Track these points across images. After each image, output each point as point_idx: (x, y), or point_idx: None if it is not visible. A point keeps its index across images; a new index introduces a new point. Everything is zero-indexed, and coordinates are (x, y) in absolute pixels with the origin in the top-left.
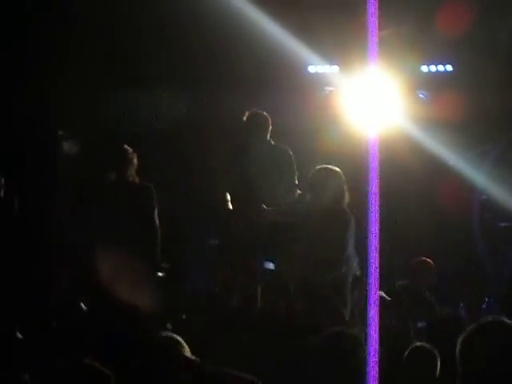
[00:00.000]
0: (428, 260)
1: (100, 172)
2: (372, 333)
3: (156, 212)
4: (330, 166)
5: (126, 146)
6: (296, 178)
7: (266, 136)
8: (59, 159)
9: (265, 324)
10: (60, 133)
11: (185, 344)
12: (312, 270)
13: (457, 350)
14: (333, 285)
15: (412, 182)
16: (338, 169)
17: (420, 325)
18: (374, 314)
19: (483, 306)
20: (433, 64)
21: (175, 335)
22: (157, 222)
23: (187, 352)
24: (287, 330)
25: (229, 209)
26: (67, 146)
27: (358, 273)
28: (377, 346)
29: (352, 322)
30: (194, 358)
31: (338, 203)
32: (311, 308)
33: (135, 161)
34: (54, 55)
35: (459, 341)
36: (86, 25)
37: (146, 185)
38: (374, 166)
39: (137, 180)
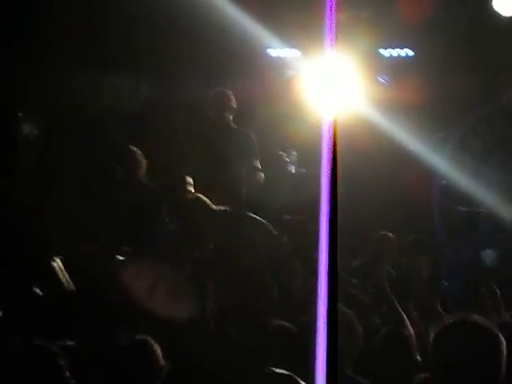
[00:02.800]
0: (389, 234)
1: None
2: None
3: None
4: None
5: (132, 147)
6: (257, 161)
7: (229, 116)
8: (19, 142)
9: None
10: (20, 115)
11: None
12: None
13: (430, 342)
14: None
15: (372, 167)
16: None
17: None
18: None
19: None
20: (393, 48)
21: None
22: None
23: None
24: None
25: (191, 193)
26: (27, 129)
27: None
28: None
29: None
30: None
31: None
32: None
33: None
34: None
35: (432, 334)
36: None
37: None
38: (332, 149)
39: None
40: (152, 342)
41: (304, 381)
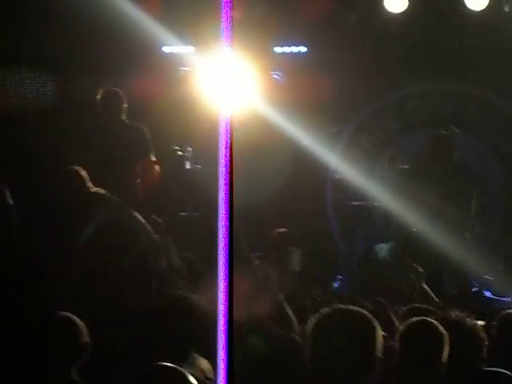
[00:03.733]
0: (285, 230)
1: None
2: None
3: None
4: None
5: None
6: (152, 155)
7: (121, 114)
8: None
9: None
10: None
11: None
12: None
13: (308, 330)
14: None
15: (267, 162)
16: None
17: None
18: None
19: (335, 284)
20: (287, 45)
21: None
22: None
23: None
24: None
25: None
26: None
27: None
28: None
29: None
30: None
31: None
32: None
33: None
34: None
35: (310, 323)
36: None
37: None
38: (229, 145)
39: None
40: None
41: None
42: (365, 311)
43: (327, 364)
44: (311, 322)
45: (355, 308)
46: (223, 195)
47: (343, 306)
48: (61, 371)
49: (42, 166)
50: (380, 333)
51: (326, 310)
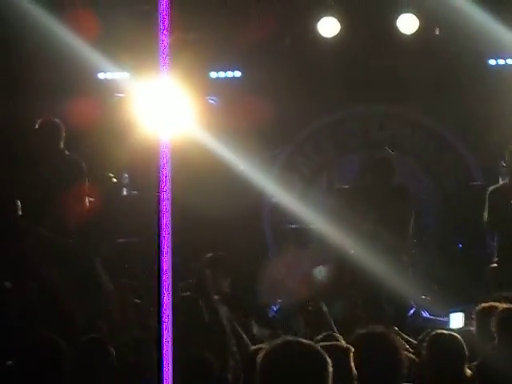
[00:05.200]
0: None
1: None
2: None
3: None
4: None
5: None
6: (87, 188)
7: (60, 144)
8: None
9: None
10: None
11: None
12: None
13: (258, 363)
14: None
15: (203, 188)
16: None
17: None
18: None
19: (274, 308)
20: (222, 70)
21: None
22: None
23: None
24: None
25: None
26: None
27: None
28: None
29: None
30: None
31: None
32: None
33: None
34: None
35: (261, 355)
36: None
37: None
38: (166, 171)
39: None
40: None
41: None
42: (316, 345)
43: None
44: (261, 354)
45: (306, 341)
46: (162, 220)
47: (293, 339)
48: None
49: None
50: (330, 368)
51: (275, 342)
